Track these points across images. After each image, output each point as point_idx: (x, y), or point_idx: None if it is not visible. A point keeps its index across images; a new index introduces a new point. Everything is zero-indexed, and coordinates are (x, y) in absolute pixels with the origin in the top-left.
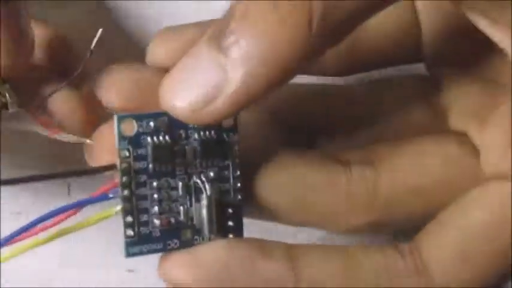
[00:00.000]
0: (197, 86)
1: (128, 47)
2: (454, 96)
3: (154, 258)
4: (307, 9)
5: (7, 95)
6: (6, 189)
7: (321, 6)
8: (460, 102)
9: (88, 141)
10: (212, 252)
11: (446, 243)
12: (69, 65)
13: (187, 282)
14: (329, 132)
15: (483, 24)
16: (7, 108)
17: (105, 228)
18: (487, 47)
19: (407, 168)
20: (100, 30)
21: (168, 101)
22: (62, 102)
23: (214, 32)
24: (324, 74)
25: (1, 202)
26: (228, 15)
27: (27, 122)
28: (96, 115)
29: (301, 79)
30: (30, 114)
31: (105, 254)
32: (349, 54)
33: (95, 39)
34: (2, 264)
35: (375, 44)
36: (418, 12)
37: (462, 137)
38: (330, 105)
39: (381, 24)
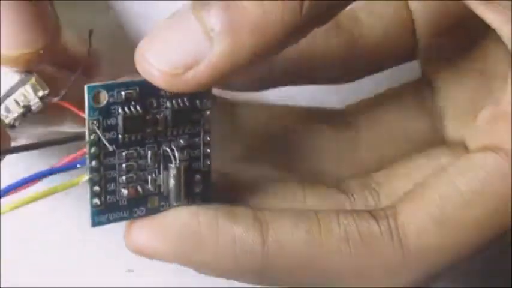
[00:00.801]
0: (179, 50)
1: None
2: (449, 99)
3: None
4: None
5: (31, 91)
6: None
7: None
8: (456, 104)
9: None
10: (178, 218)
11: (424, 207)
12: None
13: (155, 248)
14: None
15: (475, 5)
16: (30, 111)
17: (105, 228)
18: (480, 37)
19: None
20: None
21: (145, 63)
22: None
23: None
24: (317, 82)
25: None
26: None
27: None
28: None
29: (300, 90)
30: (62, 103)
31: (105, 254)
32: (345, 58)
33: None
34: (2, 265)
35: (370, 46)
36: (411, 8)
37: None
38: (325, 127)
39: (374, 24)
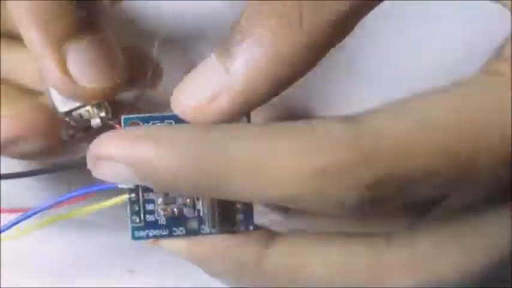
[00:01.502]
0: (202, 86)
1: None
2: None
3: (154, 258)
4: (297, 7)
5: (96, 110)
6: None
7: (310, 4)
8: None
9: None
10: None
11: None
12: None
13: None
14: None
15: None
16: (90, 126)
17: (105, 228)
18: None
19: None
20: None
21: (176, 101)
22: None
23: (224, 39)
24: None
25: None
26: (237, 21)
27: None
28: None
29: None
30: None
31: (106, 254)
32: None
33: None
34: (2, 265)
35: None
36: None
37: None
38: None
39: None
